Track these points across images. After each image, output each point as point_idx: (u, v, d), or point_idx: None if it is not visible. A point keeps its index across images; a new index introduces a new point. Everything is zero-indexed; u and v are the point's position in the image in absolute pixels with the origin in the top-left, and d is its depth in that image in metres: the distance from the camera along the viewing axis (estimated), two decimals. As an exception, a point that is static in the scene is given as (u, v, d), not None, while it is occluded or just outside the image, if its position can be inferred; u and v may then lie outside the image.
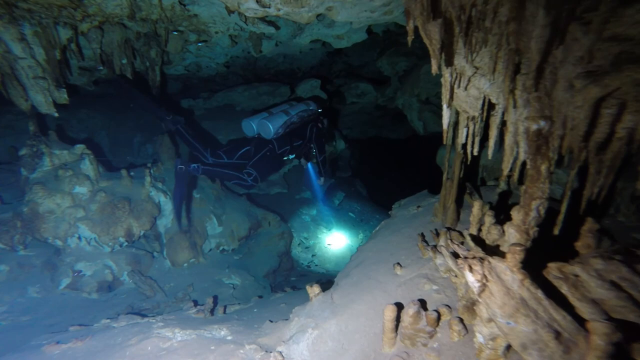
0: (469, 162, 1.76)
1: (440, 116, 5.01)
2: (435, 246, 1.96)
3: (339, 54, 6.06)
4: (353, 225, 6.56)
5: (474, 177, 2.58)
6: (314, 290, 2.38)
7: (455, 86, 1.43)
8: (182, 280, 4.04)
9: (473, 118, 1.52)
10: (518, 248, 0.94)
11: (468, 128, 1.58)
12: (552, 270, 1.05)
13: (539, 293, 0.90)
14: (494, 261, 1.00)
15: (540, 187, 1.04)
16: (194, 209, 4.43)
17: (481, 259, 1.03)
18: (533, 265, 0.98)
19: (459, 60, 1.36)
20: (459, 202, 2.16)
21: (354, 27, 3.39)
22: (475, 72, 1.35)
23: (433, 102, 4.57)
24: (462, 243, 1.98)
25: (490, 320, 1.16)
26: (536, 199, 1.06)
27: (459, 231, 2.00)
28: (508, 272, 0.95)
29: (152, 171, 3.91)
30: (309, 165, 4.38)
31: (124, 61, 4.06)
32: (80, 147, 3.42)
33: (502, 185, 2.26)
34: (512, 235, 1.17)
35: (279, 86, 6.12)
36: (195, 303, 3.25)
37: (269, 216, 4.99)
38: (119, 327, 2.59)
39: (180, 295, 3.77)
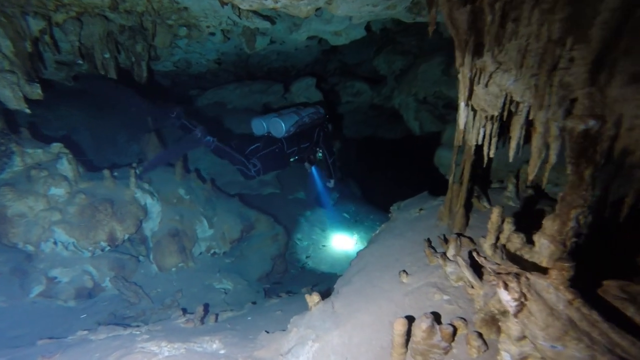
0: (484, 165, 1.65)
1: (436, 116, 4.94)
2: (444, 253, 1.84)
3: (334, 52, 5.91)
4: (348, 226, 6.44)
5: (479, 179, 2.49)
6: (313, 299, 2.22)
7: (475, 83, 1.31)
8: (170, 285, 3.81)
9: (492, 117, 1.41)
10: (566, 264, 0.82)
11: (485, 128, 1.46)
12: (612, 289, 0.94)
13: (595, 315, 0.78)
14: (533, 277, 0.88)
15: (582, 195, 0.93)
16: (183, 210, 4.19)
17: (516, 275, 0.91)
18: (577, 281, 0.87)
19: (481, 55, 1.24)
20: (468, 206, 2.05)
21: (353, 23, 3.25)
22: (498, 68, 1.23)
23: (430, 102, 4.49)
24: (475, 250, 1.87)
25: (521, 339, 1.04)
26: (576, 208, 0.94)
27: (469, 237, 1.89)
28: (551, 289, 0.83)
29: (137, 171, 3.66)
30: (313, 168, 4.29)
31: (107, 55, 3.77)
32: (56, 146, 3.13)
33: (511, 188, 2.17)
34: (545, 247, 1.06)
35: (272, 84, 5.92)
36: (184, 311, 3.03)
37: (262, 217, 4.80)
38: (97, 340, 2.34)
39: (168, 301, 3.54)
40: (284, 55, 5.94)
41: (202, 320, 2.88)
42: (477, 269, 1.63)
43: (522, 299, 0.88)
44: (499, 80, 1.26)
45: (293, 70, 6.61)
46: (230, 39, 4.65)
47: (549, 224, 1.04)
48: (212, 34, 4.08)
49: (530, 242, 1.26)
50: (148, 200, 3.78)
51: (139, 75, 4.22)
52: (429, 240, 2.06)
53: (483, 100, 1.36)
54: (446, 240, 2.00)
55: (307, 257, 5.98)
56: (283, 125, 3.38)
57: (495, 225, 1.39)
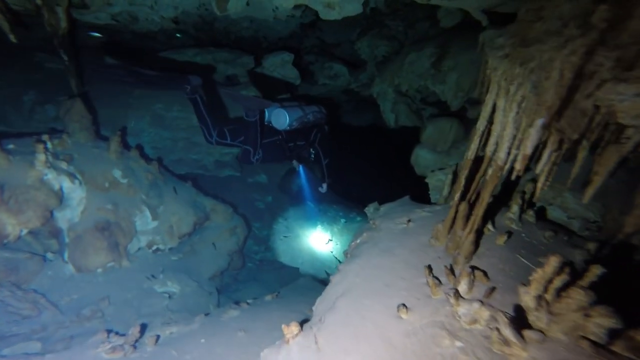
0: (535, 197, 1.28)
1: (413, 110, 4.63)
2: (457, 291, 1.48)
3: (313, 28, 5.16)
4: (311, 216, 6.00)
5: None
6: (291, 330, 1.72)
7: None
8: (92, 290, 2.94)
9: (566, 141, 1.01)
10: None
11: (552, 153, 1.07)
12: None
13: None
14: None
15: None
16: (118, 197, 3.27)
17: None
18: None
19: (598, 55, 0.81)
20: (479, 232, 1.72)
21: (352, -7, 2.64)
22: (615, 76, 0.82)
23: (411, 95, 4.13)
24: (493, 289, 1.54)
25: None
26: None
27: (483, 271, 1.56)
28: None
29: (49, 145, 2.65)
30: (301, 167, 3.80)
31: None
32: None
33: (515, 210, 1.90)
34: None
35: (241, 55, 4.97)
36: (109, 333, 2.28)
37: (219, 207, 4.07)
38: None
39: (86, 312, 2.71)
40: (257, 24, 4.99)
41: (135, 345, 2.19)
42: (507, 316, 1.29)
43: None
44: (603, 93, 0.85)
45: (264, 43, 5.68)
46: (196, -5, 3.63)
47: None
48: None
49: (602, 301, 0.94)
50: (65, 184, 2.81)
51: (54, 25, 3.01)
52: (429, 267, 1.70)
53: (566, 117, 0.95)
54: (452, 271, 1.65)
55: (265, 248, 5.43)
56: (287, 117, 3.00)
57: (548, 275, 1.05)
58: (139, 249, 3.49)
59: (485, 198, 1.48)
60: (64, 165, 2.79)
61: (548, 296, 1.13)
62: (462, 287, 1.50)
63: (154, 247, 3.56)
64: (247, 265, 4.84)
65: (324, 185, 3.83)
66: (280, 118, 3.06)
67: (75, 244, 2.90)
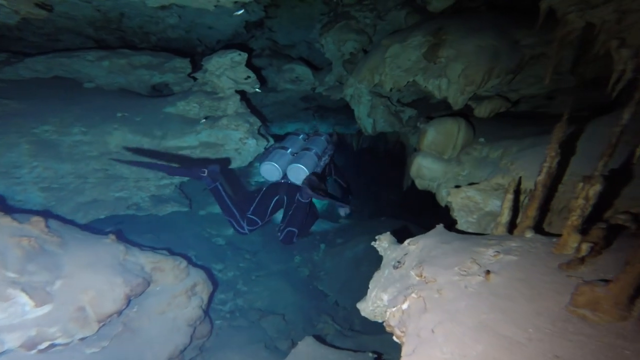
0: None
1: (392, 113, 3.92)
2: None
3: (261, 28, 4.11)
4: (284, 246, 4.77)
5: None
6: None
7: None
8: None
9: None
10: None
11: None
12: None
13: None
14: None
15: None
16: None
17: None
18: None
19: None
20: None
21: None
22: None
23: (390, 96, 3.42)
24: None
25: None
26: None
27: None
28: None
29: None
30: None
31: None
32: None
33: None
34: None
35: (171, 57, 3.58)
36: None
37: (166, 264, 2.59)
38: None
39: None
40: (188, 22, 3.66)
41: None
42: None
43: None
44: None
45: (200, 47, 4.37)
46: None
47: None
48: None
49: None
50: None
51: None
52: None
53: None
54: None
55: (235, 294, 3.98)
56: (306, 171, 2.47)
57: None
58: (4, 352, 1.85)
59: None
60: None
61: None
62: None
63: (43, 345, 1.94)
64: (214, 323, 3.35)
65: (346, 209, 2.94)
66: (300, 174, 2.48)
67: None
